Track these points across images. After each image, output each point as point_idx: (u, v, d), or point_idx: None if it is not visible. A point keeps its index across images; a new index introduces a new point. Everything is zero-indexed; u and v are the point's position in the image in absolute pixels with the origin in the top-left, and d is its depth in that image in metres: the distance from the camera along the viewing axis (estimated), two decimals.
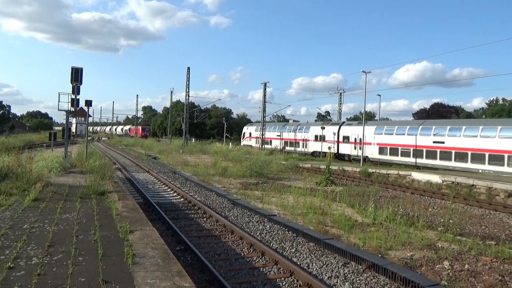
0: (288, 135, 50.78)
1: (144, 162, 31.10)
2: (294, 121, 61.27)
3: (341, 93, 55.56)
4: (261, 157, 30.32)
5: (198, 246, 8.64)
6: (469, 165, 27.96)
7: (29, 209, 8.54)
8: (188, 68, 55.28)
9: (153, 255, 5.79)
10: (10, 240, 6.17)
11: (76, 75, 19.10)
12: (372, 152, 36.72)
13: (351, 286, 6.84)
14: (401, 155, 33.73)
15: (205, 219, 11.78)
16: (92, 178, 12.51)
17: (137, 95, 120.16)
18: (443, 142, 30.27)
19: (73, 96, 19.34)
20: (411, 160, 32.77)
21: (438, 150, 30.38)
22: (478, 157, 27.48)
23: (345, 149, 40.58)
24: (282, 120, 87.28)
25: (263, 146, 51.36)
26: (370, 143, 36.75)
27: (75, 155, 22.36)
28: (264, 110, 53.11)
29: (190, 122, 61.97)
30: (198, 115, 77.22)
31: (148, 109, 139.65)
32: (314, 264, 7.91)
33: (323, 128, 42.77)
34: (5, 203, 8.94)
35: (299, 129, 49.31)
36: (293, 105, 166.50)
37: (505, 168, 25.70)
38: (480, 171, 26.87)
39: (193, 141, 68.53)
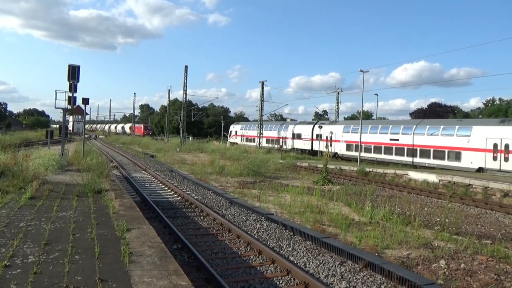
0: (269, 133, 54.23)
1: (141, 160, 31.04)
2: (291, 119, 61.45)
3: (338, 92, 55.74)
4: (259, 155, 30.32)
5: (195, 245, 8.64)
6: (418, 159, 31.60)
7: (26, 207, 8.51)
8: (186, 67, 55.15)
9: (150, 254, 5.79)
10: (6, 238, 6.15)
11: (73, 73, 19.03)
12: (340, 148, 40.65)
13: (347, 285, 6.86)
14: (364, 151, 36.56)
15: (202, 217, 11.78)
16: (89, 176, 12.49)
17: (134, 93, 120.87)
18: (397, 140, 34.02)
19: (70, 94, 19.27)
20: (371, 155, 36.08)
21: (394, 147, 34.15)
22: (425, 152, 31.16)
23: (318, 146, 44.19)
24: (280, 119, 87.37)
25: (260, 145, 51.51)
26: (339, 141, 40.80)
27: (72, 153, 22.29)
28: (262, 109, 53.09)
29: (187, 120, 61.79)
30: (195, 113, 77.15)
31: (145, 107, 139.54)
32: (311, 263, 7.92)
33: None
34: (1, 201, 8.90)
35: (279, 128, 53.15)
36: (290, 104, 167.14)
37: (445, 162, 29.41)
38: (427, 164, 30.55)
39: (190, 139, 68.44)
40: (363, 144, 36.23)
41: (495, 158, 25.99)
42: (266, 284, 6.79)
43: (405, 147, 32.82)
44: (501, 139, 25.84)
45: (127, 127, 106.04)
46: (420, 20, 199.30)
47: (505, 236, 12.13)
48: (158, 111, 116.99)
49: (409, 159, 32.18)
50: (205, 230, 10.30)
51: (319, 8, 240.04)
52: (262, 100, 53.11)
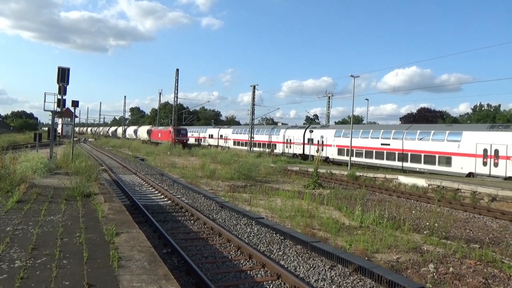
0: (198, 134, 72.59)
1: (131, 163, 30.81)
2: (282, 124, 61.99)
3: (329, 97, 56.04)
4: (250, 159, 30.30)
5: (185, 249, 8.59)
6: (284, 151, 48.93)
7: (13, 211, 8.38)
8: (177, 70, 55.04)
9: (139, 258, 5.74)
10: None
11: (63, 75, 18.85)
12: (230, 144, 57.80)
13: None
14: (245, 145, 53.87)
15: (192, 221, 11.72)
16: (77, 179, 12.34)
17: (125, 96, 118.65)
18: (267, 137, 52.37)
19: (59, 97, 19.08)
20: (267, 150, 51.25)
21: (261, 143, 52.35)
22: (287, 146, 48.50)
23: (218, 142, 62.97)
24: (271, 123, 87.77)
25: (251, 149, 51.72)
26: (230, 139, 59.96)
27: (60, 156, 22.02)
28: (253, 113, 53.19)
29: (178, 123, 61.62)
30: (186, 116, 77.02)
31: (136, 110, 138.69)
32: (301, 267, 7.93)
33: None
34: None
35: (202, 130, 72.74)
36: (282, 108, 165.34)
37: (299, 151, 46.03)
38: (286, 151, 47.90)
39: None
40: (240, 141, 56.22)
41: (319, 149, 41.68)
42: None
43: (276, 144, 50.10)
44: (321, 136, 42.45)
45: (142, 131, 74.42)
46: (412, 26, 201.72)
47: (493, 240, 12.28)
48: (149, 114, 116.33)
49: (277, 151, 49.11)
50: (196, 234, 10.25)
51: (312, 13, 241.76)
52: (253, 104, 53.23)
